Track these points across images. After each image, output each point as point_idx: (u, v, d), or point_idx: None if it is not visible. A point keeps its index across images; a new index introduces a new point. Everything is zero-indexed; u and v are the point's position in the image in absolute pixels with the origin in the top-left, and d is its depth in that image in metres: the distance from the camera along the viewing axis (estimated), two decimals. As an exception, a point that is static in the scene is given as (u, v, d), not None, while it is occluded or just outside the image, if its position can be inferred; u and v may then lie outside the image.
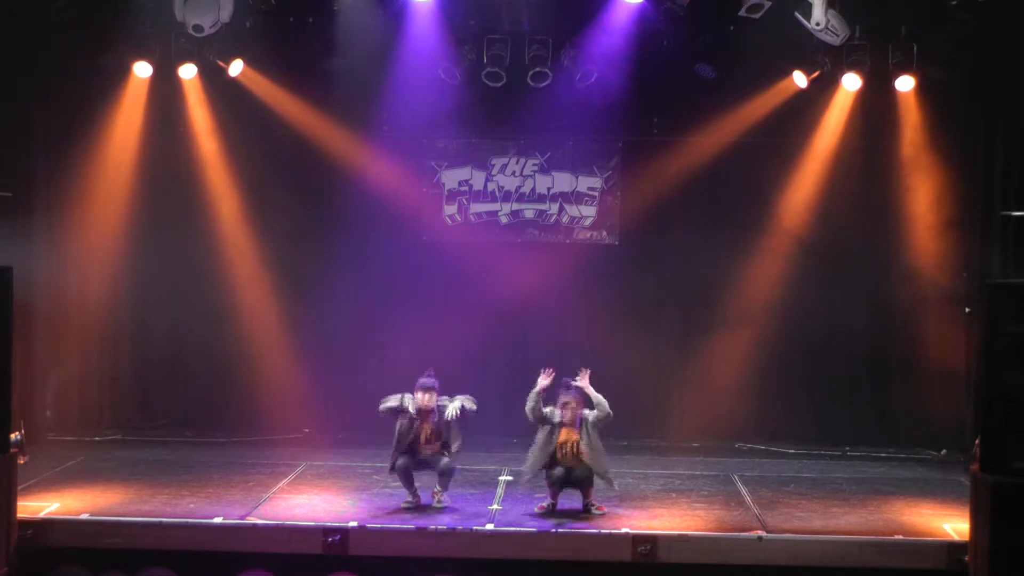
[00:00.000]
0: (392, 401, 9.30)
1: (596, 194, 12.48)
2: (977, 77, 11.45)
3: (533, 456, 9.25)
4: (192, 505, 9.29)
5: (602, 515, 9.15)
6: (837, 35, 10.92)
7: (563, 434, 9.17)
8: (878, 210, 12.06)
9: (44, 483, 9.89)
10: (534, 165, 12.54)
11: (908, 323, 12.02)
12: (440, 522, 8.76)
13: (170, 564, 8.43)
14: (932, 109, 11.67)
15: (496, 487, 10.05)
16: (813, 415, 12.25)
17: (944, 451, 11.79)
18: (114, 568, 8.43)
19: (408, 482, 9.35)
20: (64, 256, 12.03)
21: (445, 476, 9.35)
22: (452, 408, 9.21)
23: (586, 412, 9.18)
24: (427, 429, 9.26)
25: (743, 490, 10.14)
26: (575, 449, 9.13)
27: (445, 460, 9.28)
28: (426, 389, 9.24)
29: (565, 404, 9.19)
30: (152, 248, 12.24)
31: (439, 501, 9.35)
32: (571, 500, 9.63)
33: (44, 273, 11.64)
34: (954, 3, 10.77)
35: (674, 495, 9.97)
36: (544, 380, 9.12)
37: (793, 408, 12.26)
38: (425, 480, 9.47)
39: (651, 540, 8.44)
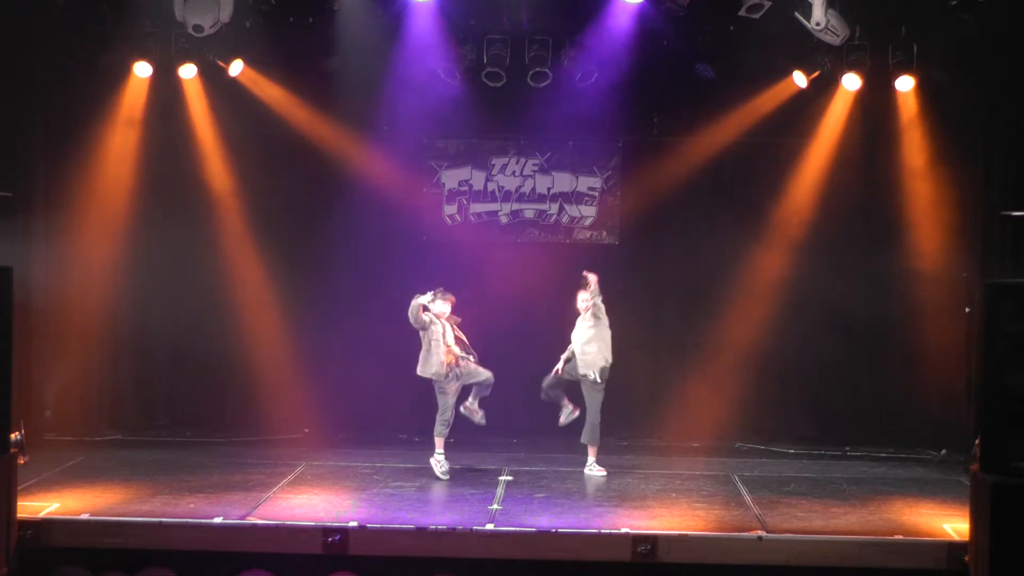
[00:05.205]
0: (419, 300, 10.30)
1: (596, 194, 12.48)
2: (977, 77, 11.44)
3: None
4: (192, 505, 9.28)
5: (603, 476, 10.43)
6: (837, 35, 10.91)
7: None
8: (878, 210, 12.06)
9: (44, 483, 9.88)
10: (534, 165, 12.53)
11: (908, 323, 12.03)
12: (440, 522, 8.75)
13: (170, 564, 8.43)
14: (932, 109, 11.67)
15: (496, 487, 10.04)
16: (813, 415, 12.26)
17: (944, 451, 11.77)
18: (114, 568, 8.42)
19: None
20: (64, 256, 12.00)
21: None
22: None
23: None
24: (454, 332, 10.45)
25: (743, 490, 10.13)
26: None
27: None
28: (446, 297, 10.48)
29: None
30: (152, 248, 12.23)
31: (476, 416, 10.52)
32: (565, 498, 9.63)
33: (44, 273, 11.63)
34: (954, 3, 10.76)
35: (674, 495, 9.96)
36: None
37: (793, 408, 12.27)
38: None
39: (651, 540, 8.43)
